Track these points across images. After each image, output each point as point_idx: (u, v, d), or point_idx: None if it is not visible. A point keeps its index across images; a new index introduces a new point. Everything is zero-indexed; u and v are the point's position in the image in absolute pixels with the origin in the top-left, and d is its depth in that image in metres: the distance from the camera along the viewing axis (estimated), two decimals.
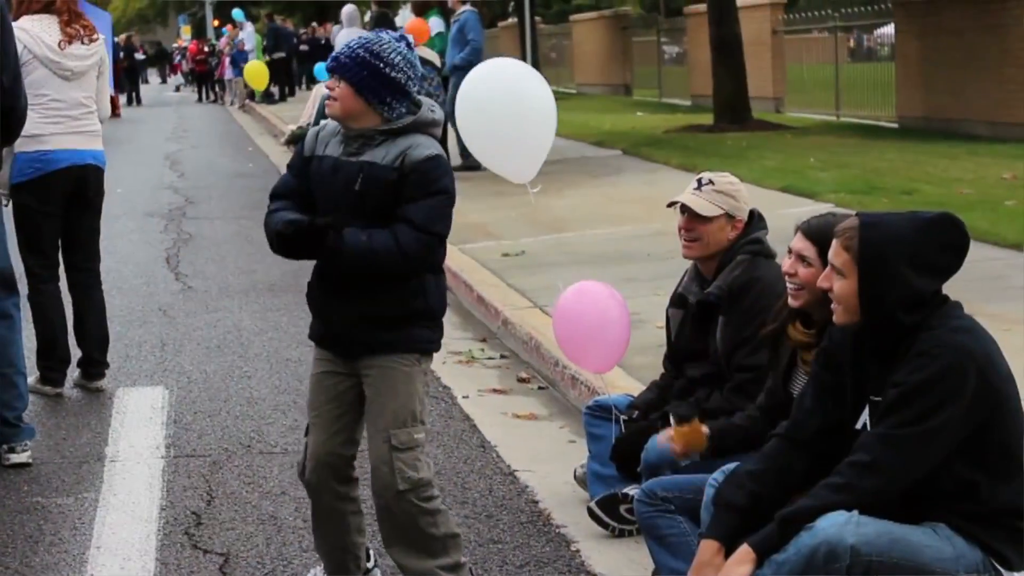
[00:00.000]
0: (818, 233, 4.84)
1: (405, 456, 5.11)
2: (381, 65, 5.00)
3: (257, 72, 30.93)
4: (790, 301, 4.92)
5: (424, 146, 5.05)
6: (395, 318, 5.10)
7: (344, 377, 5.23)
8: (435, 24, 19.47)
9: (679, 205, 5.82)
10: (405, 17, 27.26)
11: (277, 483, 6.91)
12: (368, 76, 5.01)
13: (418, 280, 5.11)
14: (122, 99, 42.20)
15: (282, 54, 42.36)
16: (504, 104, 6.59)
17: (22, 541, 6.20)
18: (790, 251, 4.92)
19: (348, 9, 22.88)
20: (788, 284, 4.92)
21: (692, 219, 5.80)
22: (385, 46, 5.03)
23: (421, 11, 20.26)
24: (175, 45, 70.26)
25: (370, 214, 5.02)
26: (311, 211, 5.12)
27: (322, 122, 5.33)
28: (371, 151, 5.06)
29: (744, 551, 4.31)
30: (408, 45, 5.09)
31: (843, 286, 4.38)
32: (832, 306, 4.44)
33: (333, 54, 5.09)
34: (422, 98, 5.16)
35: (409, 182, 5.00)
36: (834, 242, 4.43)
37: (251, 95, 41.36)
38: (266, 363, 9.34)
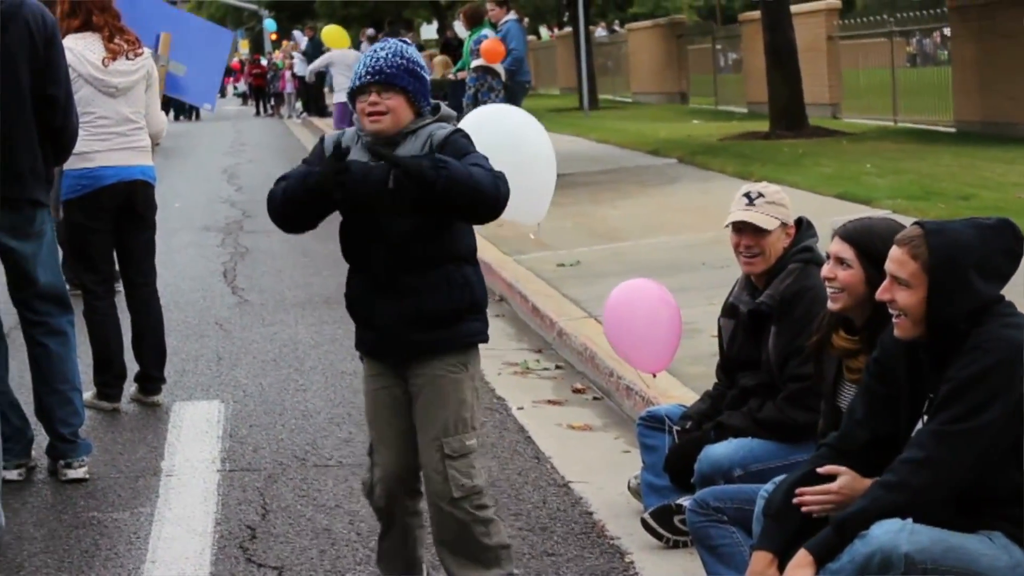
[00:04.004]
0: (856, 235, 4.80)
1: (458, 464, 5.11)
2: (420, 69, 5.05)
3: (336, 33, 30.22)
4: (830, 305, 4.86)
5: (445, 128, 5.06)
6: (445, 313, 5.07)
7: (397, 388, 5.21)
8: (488, 35, 19.64)
9: (735, 223, 5.77)
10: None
11: (332, 496, 6.92)
12: (415, 81, 5.03)
13: (460, 272, 5.08)
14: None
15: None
16: (506, 152, 6.67)
17: (78, 556, 6.24)
18: (828, 256, 4.88)
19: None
20: (828, 288, 4.85)
21: (753, 235, 5.75)
22: (410, 50, 5.07)
23: (471, 26, 20.48)
24: (236, 59, 70.69)
25: (411, 210, 4.97)
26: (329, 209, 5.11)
27: (335, 132, 5.26)
28: (396, 151, 5.01)
29: (803, 555, 4.30)
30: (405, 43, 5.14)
31: (909, 296, 4.31)
32: (895, 320, 4.38)
33: (368, 68, 4.99)
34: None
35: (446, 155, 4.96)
36: (896, 252, 4.35)
37: (307, 107, 41.49)
38: (321, 376, 9.36)
